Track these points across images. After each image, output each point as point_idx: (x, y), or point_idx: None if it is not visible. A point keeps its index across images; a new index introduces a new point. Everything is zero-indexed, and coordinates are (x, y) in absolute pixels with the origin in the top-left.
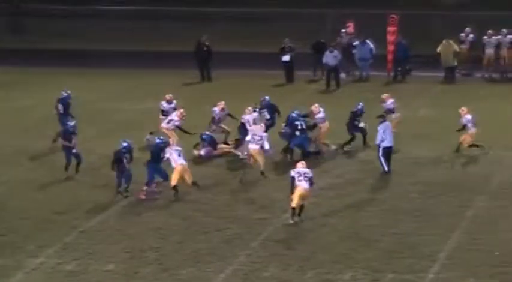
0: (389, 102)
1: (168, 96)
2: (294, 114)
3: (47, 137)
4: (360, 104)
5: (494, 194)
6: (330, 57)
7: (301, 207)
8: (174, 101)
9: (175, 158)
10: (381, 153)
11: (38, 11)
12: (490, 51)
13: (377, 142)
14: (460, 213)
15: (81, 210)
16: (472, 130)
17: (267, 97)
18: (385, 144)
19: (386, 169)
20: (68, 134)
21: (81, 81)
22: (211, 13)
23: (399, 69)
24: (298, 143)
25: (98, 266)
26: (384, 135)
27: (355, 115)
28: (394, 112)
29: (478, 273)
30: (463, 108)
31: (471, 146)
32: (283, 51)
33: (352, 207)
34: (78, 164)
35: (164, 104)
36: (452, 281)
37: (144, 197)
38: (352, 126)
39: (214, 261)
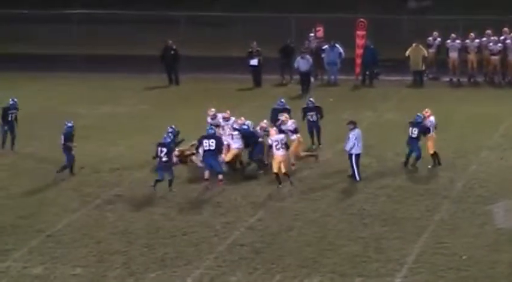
0: (290, 123)
1: (211, 112)
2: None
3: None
4: (419, 114)
5: (459, 198)
6: (302, 63)
7: (285, 174)
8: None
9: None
10: (354, 160)
11: None
12: (453, 54)
13: (347, 148)
14: (427, 217)
15: (47, 214)
16: (432, 134)
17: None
18: (357, 151)
19: (358, 178)
20: (70, 135)
21: (42, 85)
22: (176, 17)
23: (367, 73)
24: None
25: (65, 270)
26: (355, 142)
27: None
28: (297, 132)
29: (445, 277)
30: (426, 110)
31: (433, 155)
32: (250, 55)
33: (318, 211)
34: (71, 166)
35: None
36: None
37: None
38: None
39: (181, 265)
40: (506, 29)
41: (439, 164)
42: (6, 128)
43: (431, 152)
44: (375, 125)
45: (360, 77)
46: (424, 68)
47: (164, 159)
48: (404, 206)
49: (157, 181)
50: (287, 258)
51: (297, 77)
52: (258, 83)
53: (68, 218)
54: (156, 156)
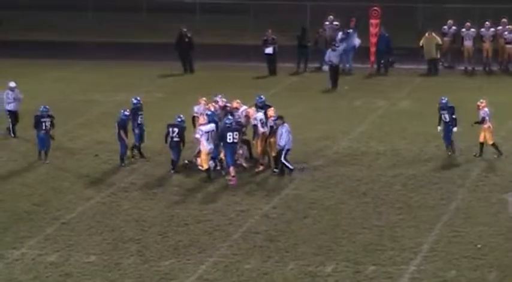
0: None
1: (202, 101)
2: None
3: (23, 129)
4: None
5: (474, 187)
6: (333, 55)
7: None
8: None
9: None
10: (284, 155)
11: (9, 2)
12: (468, 43)
13: (281, 144)
14: (442, 206)
15: (62, 201)
16: (489, 124)
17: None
18: (288, 145)
19: (292, 167)
20: (124, 124)
21: (59, 72)
22: (191, 5)
23: (382, 61)
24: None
25: (79, 258)
26: (287, 137)
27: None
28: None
29: (460, 265)
30: (481, 100)
31: (493, 145)
32: (266, 44)
33: (333, 199)
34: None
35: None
36: (434, 274)
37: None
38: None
39: (195, 253)
40: None
41: (500, 153)
42: (42, 134)
43: (491, 142)
44: (389, 113)
45: (375, 66)
46: (438, 56)
47: (176, 139)
48: (418, 195)
49: (172, 161)
50: (301, 246)
51: (312, 66)
52: (273, 71)
53: (82, 206)
54: (167, 136)
